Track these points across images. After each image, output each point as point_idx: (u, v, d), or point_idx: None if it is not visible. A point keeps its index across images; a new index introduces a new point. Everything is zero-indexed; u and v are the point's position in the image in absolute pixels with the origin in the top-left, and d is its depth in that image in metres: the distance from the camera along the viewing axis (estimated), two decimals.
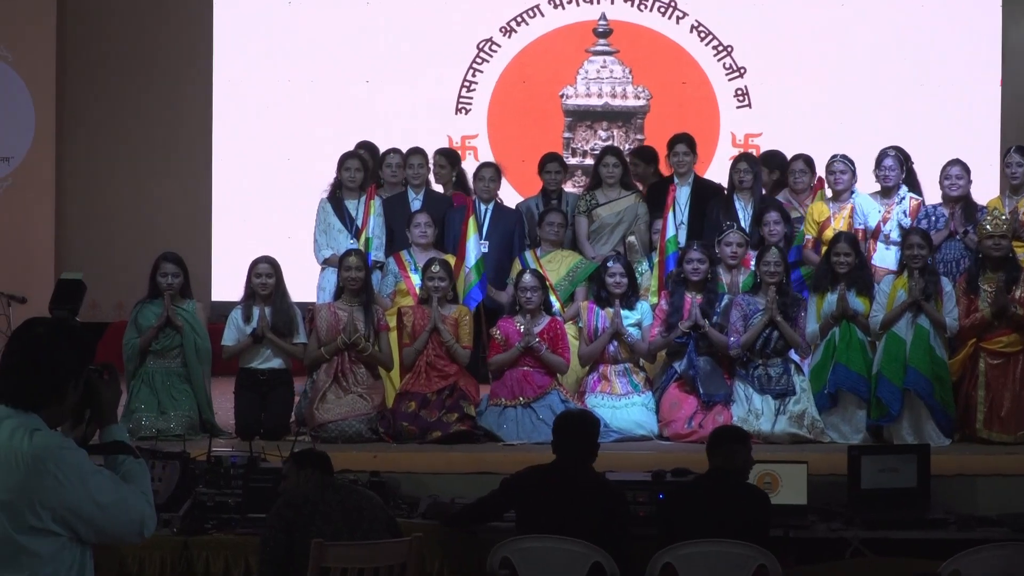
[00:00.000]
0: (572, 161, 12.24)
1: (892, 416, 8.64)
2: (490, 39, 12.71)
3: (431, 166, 10.47)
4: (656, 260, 9.60)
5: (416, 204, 10.13)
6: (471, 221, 9.49)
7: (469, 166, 11.18)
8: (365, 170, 10.12)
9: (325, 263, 9.98)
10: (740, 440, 6.38)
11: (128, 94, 12.84)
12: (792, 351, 9.03)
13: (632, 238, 9.95)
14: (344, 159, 10.13)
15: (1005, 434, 8.73)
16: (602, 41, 12.68)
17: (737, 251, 9.39)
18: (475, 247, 9.47)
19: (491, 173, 10.23)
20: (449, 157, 10.76)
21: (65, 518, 3.63)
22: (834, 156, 9.90)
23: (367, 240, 9.55)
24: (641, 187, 10.56)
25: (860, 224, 9.71)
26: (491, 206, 10.15)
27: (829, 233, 9.55)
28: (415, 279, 9.50)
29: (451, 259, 9.45)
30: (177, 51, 12.83)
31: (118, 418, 3.91)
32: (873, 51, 12.57)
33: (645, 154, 11.04)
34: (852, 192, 9.85)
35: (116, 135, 12.88)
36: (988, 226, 8.89)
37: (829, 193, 9.99)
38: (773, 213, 9.60)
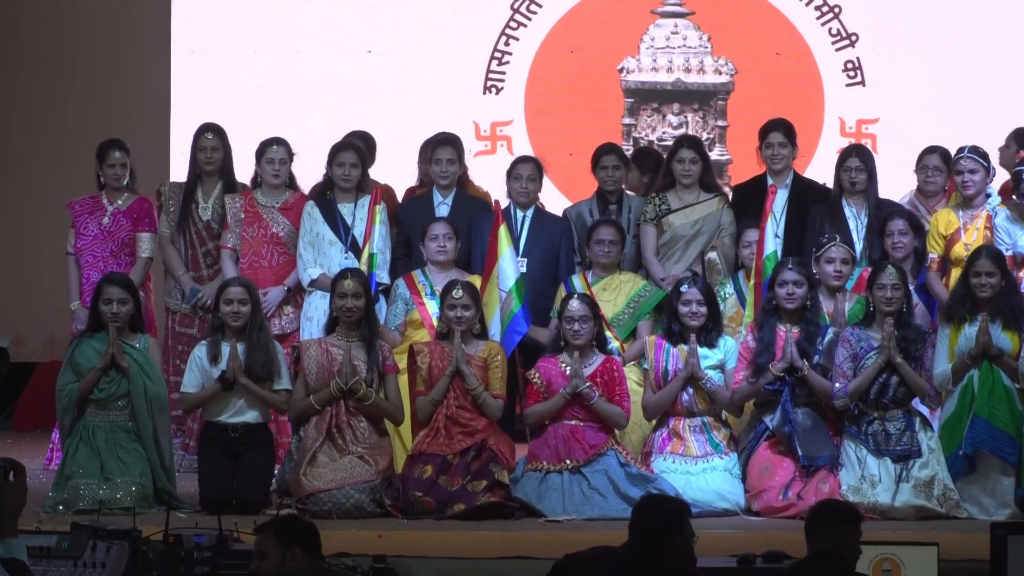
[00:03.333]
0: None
1: None
2: None
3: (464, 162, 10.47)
4: (750, 283, 9.58)
5: (444, 209, 10.16)
6: (502, 230, 9.52)
7: (502, 160, 11.20)
8: (363, 165, 10.18)
9: (313, 285, 10.02)
10: (852, 520, 6.37)
11: (63, 69, 12.92)
12: (917, 401, 9.04)
13: (713, 254, 9.97)
14: (336, 151, 10.18)
15: None
16: (672, 0, 12.71)
17: (842, 269, 9.40)
18: (513, 263, 9.49)
19: (529, 170, 10.23)
20: None
21: None
22: (961, 150, 9.87)
23: (371, 257, 9.58)
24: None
25: (1004, 247, 9.61)
26: (530, 213, 10.17)
27: (959, 250, 9.54)
28: (431, 307, 9.54)
29: (477, 280, 9.49)
30: (125, 13, 12.89)
31: (16, 531, 3.90)
32: None
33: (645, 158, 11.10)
34: (988, 196, 9.84)
35: (47, 120, 12.96)
36: None
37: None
38: (899, 221, 9.62)
